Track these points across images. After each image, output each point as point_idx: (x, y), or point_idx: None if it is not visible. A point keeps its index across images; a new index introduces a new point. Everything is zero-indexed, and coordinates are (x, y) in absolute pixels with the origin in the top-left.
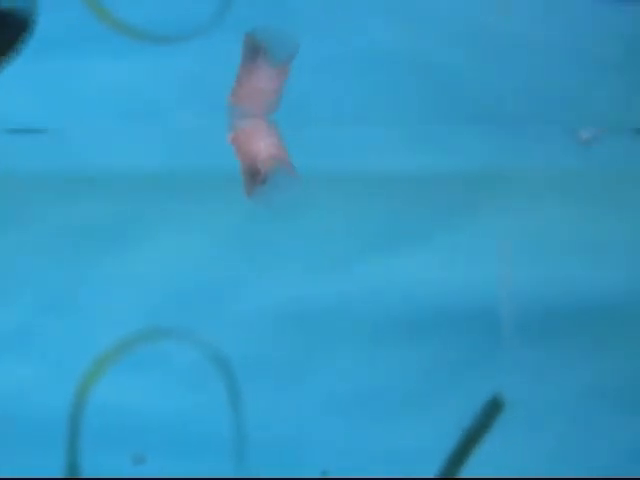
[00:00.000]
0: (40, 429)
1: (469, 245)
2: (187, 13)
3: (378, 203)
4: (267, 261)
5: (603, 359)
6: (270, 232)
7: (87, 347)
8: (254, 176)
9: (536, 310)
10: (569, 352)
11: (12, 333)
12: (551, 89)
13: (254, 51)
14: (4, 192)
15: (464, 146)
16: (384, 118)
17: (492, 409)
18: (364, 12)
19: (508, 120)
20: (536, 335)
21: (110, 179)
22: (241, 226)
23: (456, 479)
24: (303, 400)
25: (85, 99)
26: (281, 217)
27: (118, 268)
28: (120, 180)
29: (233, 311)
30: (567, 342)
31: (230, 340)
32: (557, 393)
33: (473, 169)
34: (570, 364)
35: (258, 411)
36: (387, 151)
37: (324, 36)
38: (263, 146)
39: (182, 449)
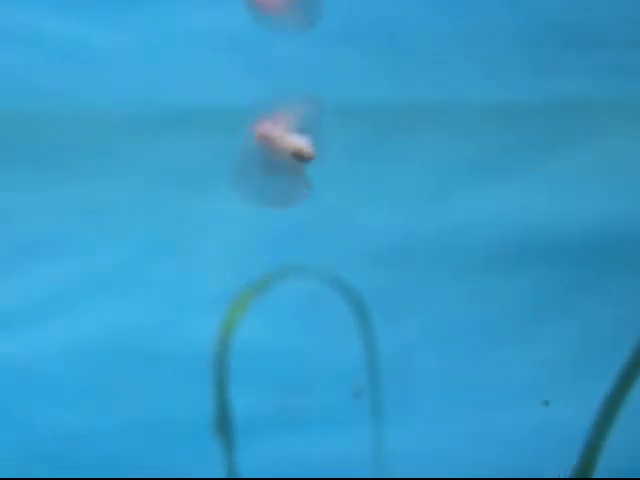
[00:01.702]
0: (185, 367)
1: (569, 173)
2: None
3: (475, 134)
4: (364, 197)
5: None
6: (366, 168)
7: (204, 285)
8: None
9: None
10: None
11: (115, 272)
12: None
13: None
14: (96, 132)
15: (561, 73)
16: (477, 47)
17: None
18: None
19: (607, 47)
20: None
21: (204, 113)
22: (342, 161)
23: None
24: (407, 332)
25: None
26: (375, 152)
27: (218, 206)
28: (216, 116)
29: (334, 248)
30: None
31: (344, 273)
32: None
33: (570, 97)
34: None
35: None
36: (482, 80)
37: None
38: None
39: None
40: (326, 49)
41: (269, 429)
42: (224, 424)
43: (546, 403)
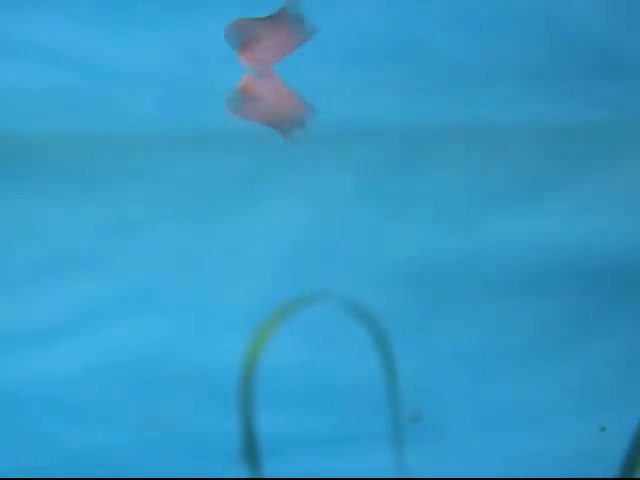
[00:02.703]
0: (211, 387)
1: (598, 196)
2: None
3: (506, 155)
4: (393, 216)
5: None
6: (396, 187)
7: (230, 304)
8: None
9: None
10: None
11: (147, 290)
12: None
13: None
14: (132, 149)
15: (593, 97)
16: (515, 71)
17: None
18: None
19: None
20: None
21: (237, 135)
22: (368, 182)
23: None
24: (432, 352)
25: (210, 53)
26: (407, 172)
27: (245, 225)
28: (247, 136)
29: (363, 267)
30: None
31: (366, 295)
32: None
33: (605, 120)
34: None
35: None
36: (517, 103)
37: None
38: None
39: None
40: (357, 71)
41: (294, 449)
42: (250, 445)
43: (603, 429)
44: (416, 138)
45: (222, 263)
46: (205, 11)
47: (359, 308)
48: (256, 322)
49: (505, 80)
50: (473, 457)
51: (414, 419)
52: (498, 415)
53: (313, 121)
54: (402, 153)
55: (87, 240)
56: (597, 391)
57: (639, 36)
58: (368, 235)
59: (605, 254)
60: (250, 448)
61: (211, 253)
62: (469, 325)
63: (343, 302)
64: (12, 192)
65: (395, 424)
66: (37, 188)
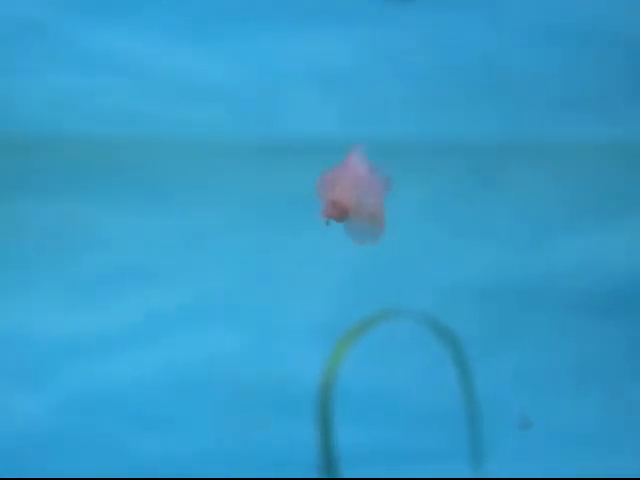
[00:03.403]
0: (289, 399)
1: None
2: None
3: (577, 176)
4: (469, 234)
5: None
6: (472, 205)
7: (305, 316)
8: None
9: None
10: None
11: (224, 299)
12: None
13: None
14: (198, 161)
15: None
16: (588, 94)
17: None
18: None
19: None
20: None
21: (309, 148)
22: (442, 199)
23: None
24: (502, 370)
25: (278, 67)
26: (484, 190)
27: (318, 238)
28: (319, 149)
29: (439, 284)
30: None
31: (442, 312)
32: None
33: None
34: None
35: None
36: (589, 125)
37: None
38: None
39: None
40: (428, 88)
41: (372, 463)
42: (328, 458)
43: None
44: (487, 155)
45: (295, 275)
46: (277, 26)
47: (437, 324)
48: (330, 335)
49: (578, 102)
50: (550, 474)
51: (524, 425)
52: (577, 432)
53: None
54: (472, 170)
55: (151, 251)
56: None
57: None
58: (441, 252)
59: None
60: (328, 461)
61: (285, 265)
62: (545, 341)
63: (421, 318)
64: (82, 200)
65: (474, 439)
66: (108, 197)
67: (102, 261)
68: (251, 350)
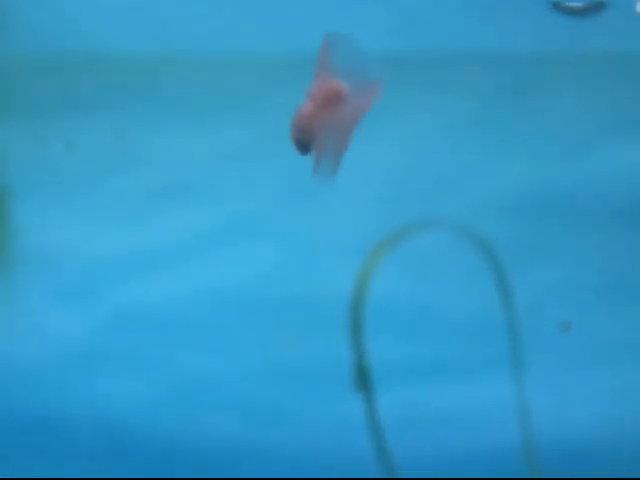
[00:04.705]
0: (319, 316)
1: None
2: None
3: (616, 85)
4: (504, 145)
5: None
6: (506, 115)
7: (340, 230)
8: None
9: None
10: None
11: (256, 217)
12: None
13: None
14: (230, 78)
15: None
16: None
17: None
18: None
19: None
20: None
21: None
22: (480, 107)
23: None
24: (540, 284)
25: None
26: (517, 100)
27: (358, 148)
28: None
29: (476, 195)
30: None
31: (479, 224)
32: None
33: None
34: None
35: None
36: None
37: None
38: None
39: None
40: None
41: (406, 377)
42: (362, 371)
43: None
44: (527, 69)
45: (326, 193)
46: None
47: (475, 235)
48: (365, 249)
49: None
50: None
51: (564, 328)
52: (599, 348)
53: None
54: (512, 85)
55: (188, 170)
56: None
57: None
58: (480, 162)
59: None
60: (362, 374)
61: (315, 183)
62: (586, 254)
63: (457, 229)
64: (124, 119)
65: (514, 355)
66: (149, 116)
67: (145, 181)
68: (289, 264)
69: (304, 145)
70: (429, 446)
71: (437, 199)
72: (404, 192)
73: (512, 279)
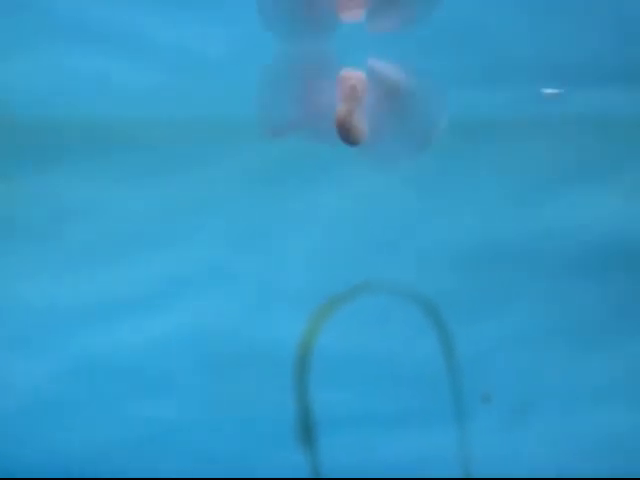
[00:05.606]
0: (267, 368)
1: None
2: None
3: (565, 138)
4: (451, 199)
5: None
6: (455, 169)
7: (291, 284)
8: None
9: None
10: None
11: (209, 270)
12: None
13: None
14: (198, 133)
15: None
16: (575, 57)
17: None
18: None
19: None
20: None
21: None
22: (424, 164)
23: None
24: (487, 335)
25: None
26: (465, 155)
27: (309, 206)
28: None
29: (422, 248)
30: None
31: (426, 279)
32: None
33: None
34: None
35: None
36: (585, 91)
37: None
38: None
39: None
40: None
41: (351, 428)
42: (306, 424)
43: None
44: (473, 122)
45: (285, 244)
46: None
47: (418, 295)
48: (311, 303)
49: (587, 72)
50: (519, 437)
51: (485, 399)
52: (546, 397)
53: None
54: (458, 139)
55: (146, 220)
56: None
57: None
58: (428, 219)
59: None
60: (306, 424)
61: (269, 234)
62: (519, 307)
63: (399, 290)
64: (94, 173)
65: (456, 406)
66: (118, 170)
67: (112, 230)
68: (243, 315)
69: (352, 141)
70: None
71: (386, 252)
72: (353, 244)
73: (456, 332)
